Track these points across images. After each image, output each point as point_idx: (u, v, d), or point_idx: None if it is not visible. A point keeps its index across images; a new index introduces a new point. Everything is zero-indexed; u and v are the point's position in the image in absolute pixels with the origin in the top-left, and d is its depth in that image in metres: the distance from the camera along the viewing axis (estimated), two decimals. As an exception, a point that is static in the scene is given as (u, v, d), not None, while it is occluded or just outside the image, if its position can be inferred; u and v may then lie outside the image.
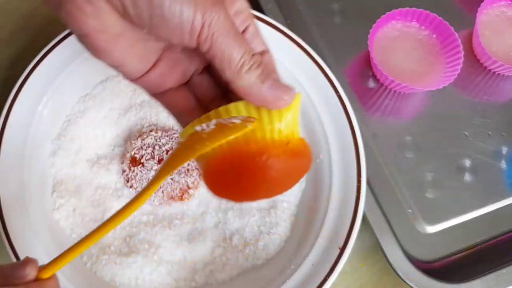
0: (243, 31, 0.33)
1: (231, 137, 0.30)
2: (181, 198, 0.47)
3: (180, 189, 0.47)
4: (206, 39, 0.30)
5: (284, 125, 0.31)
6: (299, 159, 0.33)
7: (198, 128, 0.31)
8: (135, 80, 0.35)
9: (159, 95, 0.36)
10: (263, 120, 0.31)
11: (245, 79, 0.30)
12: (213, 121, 0.31)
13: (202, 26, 0.30)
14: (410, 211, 0.51)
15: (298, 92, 0.32)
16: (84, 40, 0.31)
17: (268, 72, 0.31)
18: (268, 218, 0.47)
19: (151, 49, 0.34)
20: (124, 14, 0.30)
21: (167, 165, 0.31)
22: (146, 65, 0.34)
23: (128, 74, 0.34)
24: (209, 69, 0.36)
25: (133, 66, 0.34)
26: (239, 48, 0.30)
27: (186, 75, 0.36)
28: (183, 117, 0.36)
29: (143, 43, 0.33)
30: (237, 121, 0.30)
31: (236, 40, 0.30)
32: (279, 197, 0.47)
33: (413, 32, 0.56)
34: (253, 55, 0.31)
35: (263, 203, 0.48)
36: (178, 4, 0.29)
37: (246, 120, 0.30)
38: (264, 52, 0.34)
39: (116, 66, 0.34)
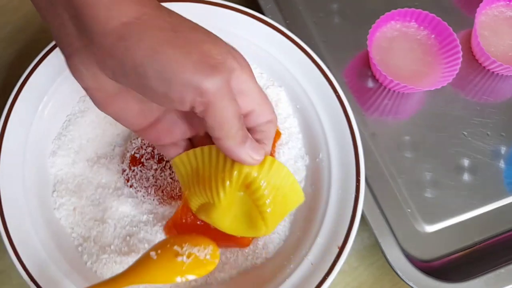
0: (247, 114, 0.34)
1: (202, 275, 0.36)
2: (181, 198, 0.47)
3: (180, 188, 0.47)
4: (199, 109, 0.30)
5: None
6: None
7: (179, 259, 0.35)
8: (133, 131, 0.37)
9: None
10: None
11: (232, 140, 0.32)
12: (191, 249, 0.35)
13: (194, 100, 0.30)
14: (409, 210, 0.52)
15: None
16: (85, 91, 0.33)
17: (246, 133, 0.33)
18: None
19: (149, 109, 0.35)
20: (117, 81, 0.31)
21: (140, 276, 0.35)
22: (143, 122, 0.36)
23: (125, 126, 0.36)
24: None
25: (130, 121, 0.35)
26: (233, 112, 0.31)
27: (185, 135, 0.37)
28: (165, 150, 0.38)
29: (141, 103, 0.34)
30: (208, 257, 0.36)
31: (231, 103, 0.31)
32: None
33: (412, 32, 0.56)
34: (241, 116, 0.32)
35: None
36: (167, 78, 0.29)
37: (214, 256, 0.36)
38: (268, 122, 0.35)
39: (114, 118, 0.35)
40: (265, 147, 0.35)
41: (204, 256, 0.36)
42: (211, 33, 0.32)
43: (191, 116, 0.36)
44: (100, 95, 0.33)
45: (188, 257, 0.35)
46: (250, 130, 0.34)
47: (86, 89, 0.33)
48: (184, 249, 0.35)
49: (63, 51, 0.33)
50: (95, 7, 0.29)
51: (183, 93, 0.30)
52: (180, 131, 0.37)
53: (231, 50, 0.32)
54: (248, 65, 0.33)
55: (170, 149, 0.38)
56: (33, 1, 0.33)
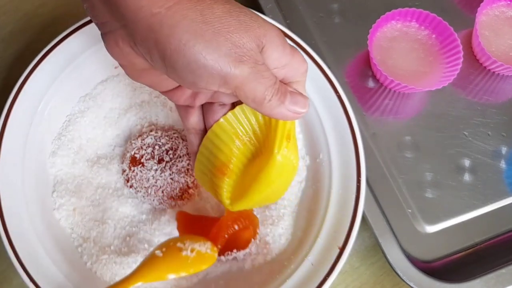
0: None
1: (205, 268, 0.39)
2: (181, 198, 0.47)
3: (180, 188, 0.47)
4: (228, 92, 0.32)
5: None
6: None
7: (184, 253, 0.38)
8: (162, 92, 0.38)
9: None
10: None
11: (267, 107, 0.33)
12: (192, 245, 0.38)
13: (221, 87, 0.32)
14: (409, 211, 0.52)
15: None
16: (120, 65, 0.36)
17: (284, 90, 0.34)
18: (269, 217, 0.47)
19: None
20: (148, 61, 0.33)
21: (150, 272, 0.37)
22: (171, 85, 0.37)
23: (157, 90, 0.38)
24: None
25: (159, 86, 0.37)
26: (263, 89, 0.32)
27: (210, 98, 0.39)
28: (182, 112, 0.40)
29: None
30: (209, 251, 0.39)
31: (259, 83, 0.32)
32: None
33: (413, 32, 0.56)
34: (274, 83, 0.33)
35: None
36: (195, 70, 0.31)
37: (213, 250, 0.39)
38: (303, 72, 0.36)
39: (147, 85, 0.37)
40: (305, 98, 0.36)
41: (205, 250, 0.38)
42: (243, 14, 0.32)
43: None
44: (130, 70, 0.35)
45: (191, 251, 0.38)
46: (287, 84, 0.36)
47: (119, 64, 0.35)
48: (187, 245, 0.38)
49: (98, 28, 0.34)
50: None
51: (210, 82, 0.31)
52: (206, 96, 0.38)
53: (261, 31, 0.32)
54: (278, 33, 0.34)
55: (217, 111, 0.39)
56: None
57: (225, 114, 0.39)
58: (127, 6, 0.30)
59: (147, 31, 0.30)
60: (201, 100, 0.39)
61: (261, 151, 0.38)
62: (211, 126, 0.39)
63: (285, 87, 0.34)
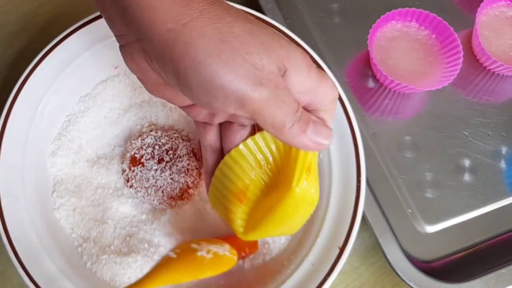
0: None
1: (223, 271, 0.37)
2: (181, 198, 0.47)
3: (180, 188, 0.47)
4: (245, 115, 0.31)
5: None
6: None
7: (199, 253, 0.35)
8: (181, 107, 0.38)
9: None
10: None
11: (288, 134, 0.31)
12: (208, 247, 0.36)
13: (238, 110, 0.30)
14: (409, 211, 0.52)
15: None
16: (139, 80, 0.35)
17: (307, 118, 0.32)
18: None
19: None
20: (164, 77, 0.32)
21: (164, 275, 0.35)
22: (190, 101, 0.36)
23: (175, 104, 0.37)
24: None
25: (177, 101, 0.36)
26: (283, 114, 0.30)
27: (229, 117, 0.38)
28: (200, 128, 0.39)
29: None
30: (227, 253, 0.36)
31: (279, 108, 0.30)
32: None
33: (413, 32, 0.56)
34: (296, 111, 0.31)
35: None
36: (210, 90, 0.29)
37: (232, 252, 0.37)
38: (331, 100, 0.34)
39: (165, 100, 0.37)
40: (329, 129, 0.34)
41: (223, 252, 0.36)
42: (264, 34, 0.31)
43: None
44: (149, 85, 0.35)
45: (207, 252, 0.35)
46: (312, 111, 0.34)
47: (137, 77, 0.35)
48: (202, 246, 0.36)
49: (117, 40, 0.34)
50: (141, 8, 0.29)
51: (226, 104, 0.30)
52: (223, 116, 0.38)
53: (283, 53, 0.31)
54: (303, 55, 0.32)
55: (236, 132, 0.38)
56: None
57: (245, 137, 0.38)
58: (142, 20, 0.30)
59: (161, 47, 0.29)
60: (219, 118, 0.38)
61: (280, 180, 0.36)
62: (228, 146, 0.38)
63: (308, 115, 0.32)
